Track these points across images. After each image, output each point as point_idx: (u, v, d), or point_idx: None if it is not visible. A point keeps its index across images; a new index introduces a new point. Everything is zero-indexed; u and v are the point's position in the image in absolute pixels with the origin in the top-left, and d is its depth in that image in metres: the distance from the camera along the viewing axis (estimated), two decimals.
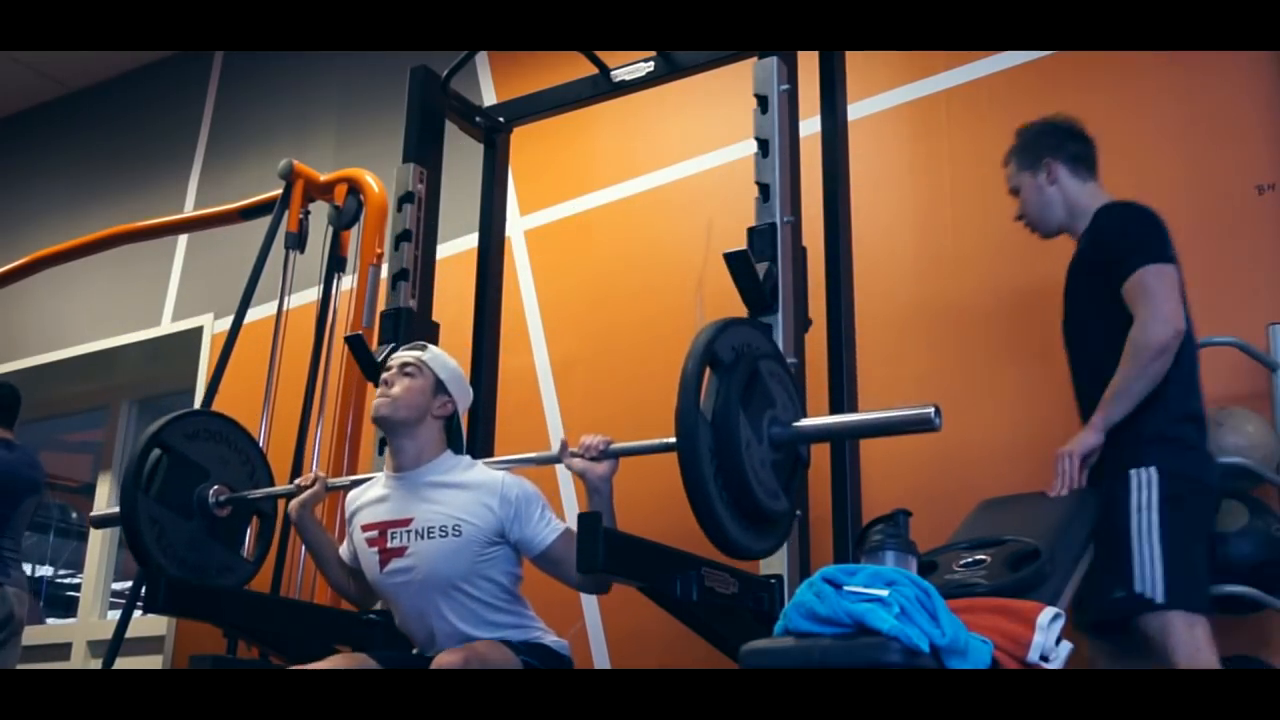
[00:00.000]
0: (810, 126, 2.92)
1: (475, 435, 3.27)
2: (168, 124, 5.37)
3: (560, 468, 3.71)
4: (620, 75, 3.28)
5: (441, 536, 2.45)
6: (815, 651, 1.87)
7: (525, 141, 3.67)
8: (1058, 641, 2.10)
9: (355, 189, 3.81)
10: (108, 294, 5.21)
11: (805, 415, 2.24)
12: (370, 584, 2.58)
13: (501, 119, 3.53)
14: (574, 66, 3.35)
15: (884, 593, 1.87)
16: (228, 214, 4.20)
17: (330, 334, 3.77)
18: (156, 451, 2.86)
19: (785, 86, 2.72)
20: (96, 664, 4.86)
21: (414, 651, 2.59)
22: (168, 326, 4.99)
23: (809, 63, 2.88)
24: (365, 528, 2.55)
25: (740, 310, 2.59)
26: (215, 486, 2.95)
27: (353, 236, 3.84)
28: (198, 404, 3.75)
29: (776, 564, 2.42)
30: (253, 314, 3.81)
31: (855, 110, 3.14)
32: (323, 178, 3.87)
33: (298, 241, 3.80)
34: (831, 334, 2.80)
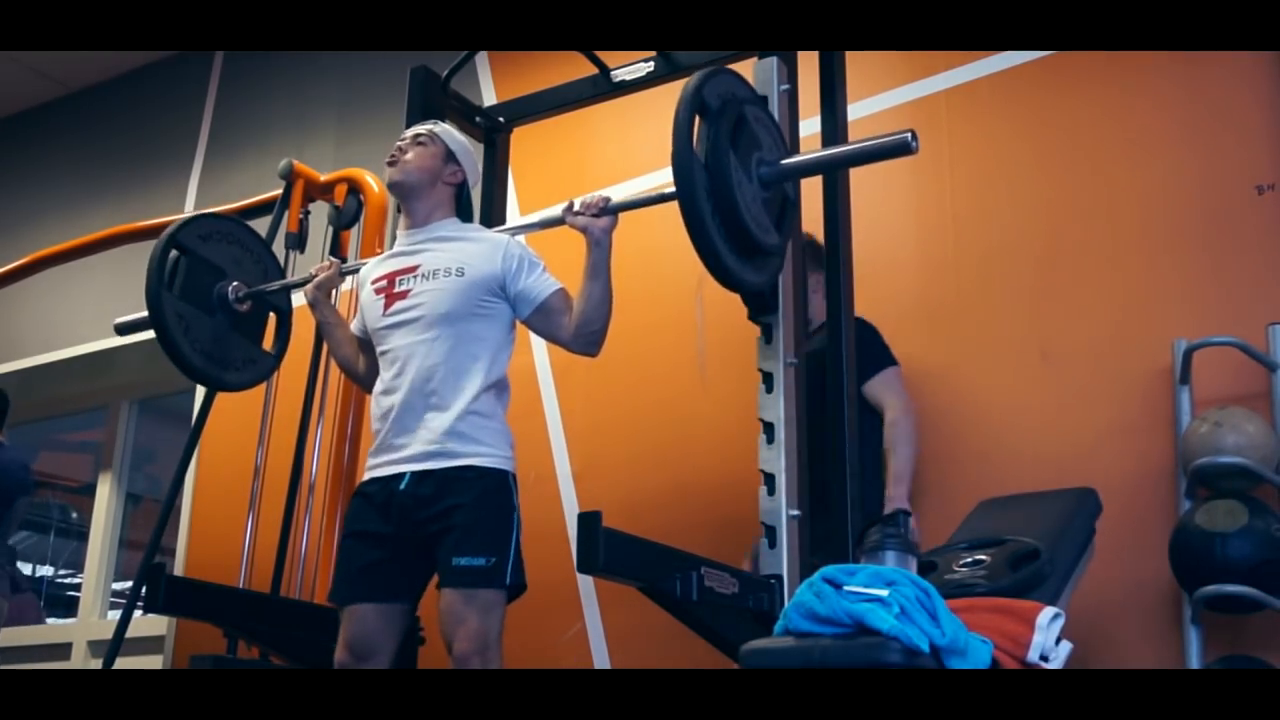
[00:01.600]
0: (810, 126, 2.92)
1: None
2: (168, 124, 5.36)
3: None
4: (620, 75, 3.28)
5: (446, 276, 2.58)
6: (815, 651, 1.87)
7: (525, 141, 3.67)
8: (1058, 641, 2.10)
9: (355, 189, 3.81)
10: (108, 294, 5.20)
11: (789, 155, 2.41)
12: (370, 335, 2.66)
13: (501, 119, 3.53)
14: (574, 66, 3.34)
15: (884, 593, 1.87)
16: (228, 214, 4.19)
17: None
18: (174, 253, 2.97)
19: (785, 86, 2.71)
20: (96, 664, 4.86)
21: (369, 462, 2.59)
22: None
23: (809, 63, 2.88)
24: (374, 280, 2.68)
25: (740, 311, 2.59)
26: (233, 283, 3.05)
27: (353, 236, 3.84)
28: (197, 405, 3.75)
29: (776, 564, 2.42)
30: None
31: (855, 110, 3.13)
32: (323, 177, 3.87)
33: (298, 241, 3.80)
34: (832, 334, 2.79)
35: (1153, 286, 3.05)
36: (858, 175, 2.98)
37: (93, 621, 5.10)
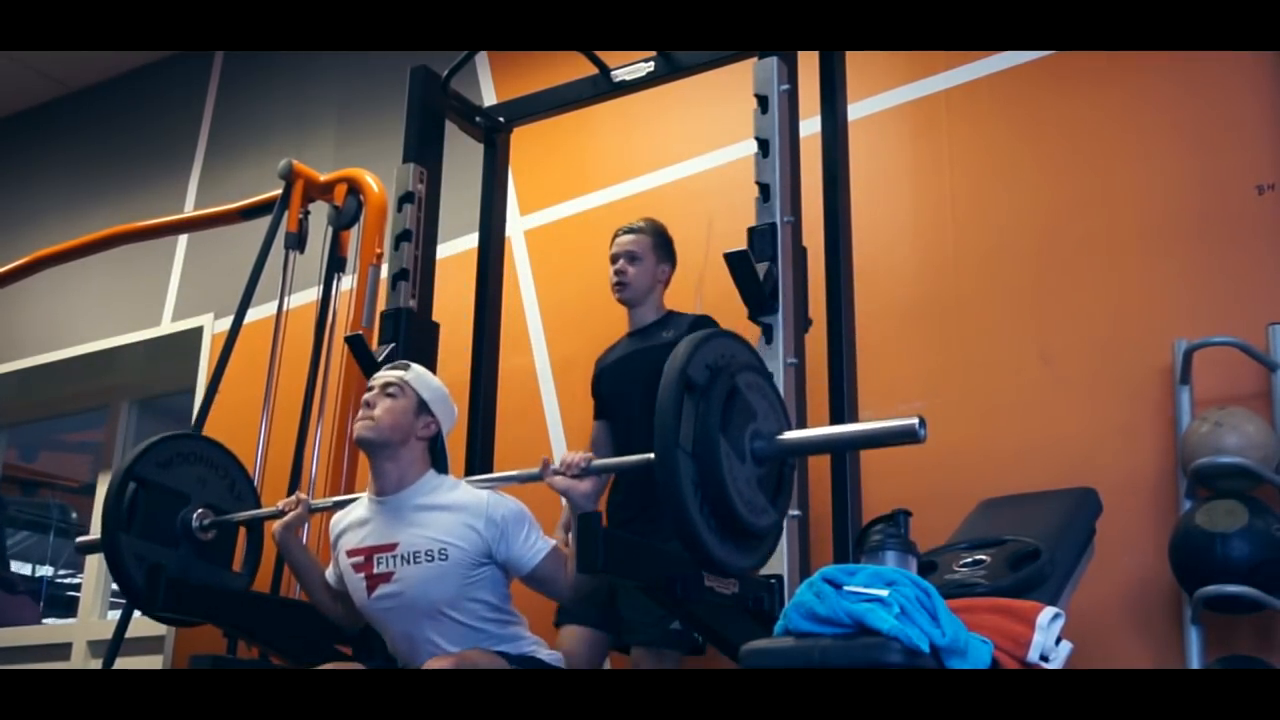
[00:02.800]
0: (810, 126, 2.92)
1: (475, 436, 3.27)
2: (168, 124, 5.36)
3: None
4: (620, 75, 3.28)
5: (428, 561, 2.42)
6: (815, 651, 1.87)
7: (525, 141, 3.67)
8: (1058, 641, 2.10)
9: (355, 189, 3.81)
10: (108, 294, 5.20)
11: (790, 422, 2.22)
12: (359, 609, 2.56)
13: (501, 119, 3.53)
14: (574, 66, 3.34)
15: (884, 593, 1.87)
16: (228, 214, 4.19)
17: (330, 334, 3.76)
18: (133, 485, 2.84)
19: (785, 86, 2.71)
20: (96, 664, 4.86)
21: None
22: (168, 326, 4.99)
23: (809, 63, 2.88)
24: (350, 553, 2.52)
25: (741, 311, 2.59)
26: (198, 510, 2.93)
27: (353, 236, 3.84)
28: (197, 404, 3.75)
29: (776, 564, 2.42)
30: (252, 314, 3.80)
31: (855, 110, 3.13)
32: (323, 178, 3.87)
33: (298, 241, 3.80)
34: (831, 334, 2.80)
35: (1153, 286, 3.05)
36: (857, 175, 2.99)
37: (93, 621, 5.10)
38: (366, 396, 2.53)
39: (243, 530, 3.07)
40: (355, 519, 2.56)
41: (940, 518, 2.67)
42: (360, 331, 3.25)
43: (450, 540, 2.42)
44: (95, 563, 5.19)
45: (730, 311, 2.72)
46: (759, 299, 2.53)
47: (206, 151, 5.21)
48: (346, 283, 3.86)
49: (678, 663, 2.89)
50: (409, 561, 2.44)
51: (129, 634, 3.50)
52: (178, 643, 4.45)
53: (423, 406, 2.53)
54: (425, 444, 2.54)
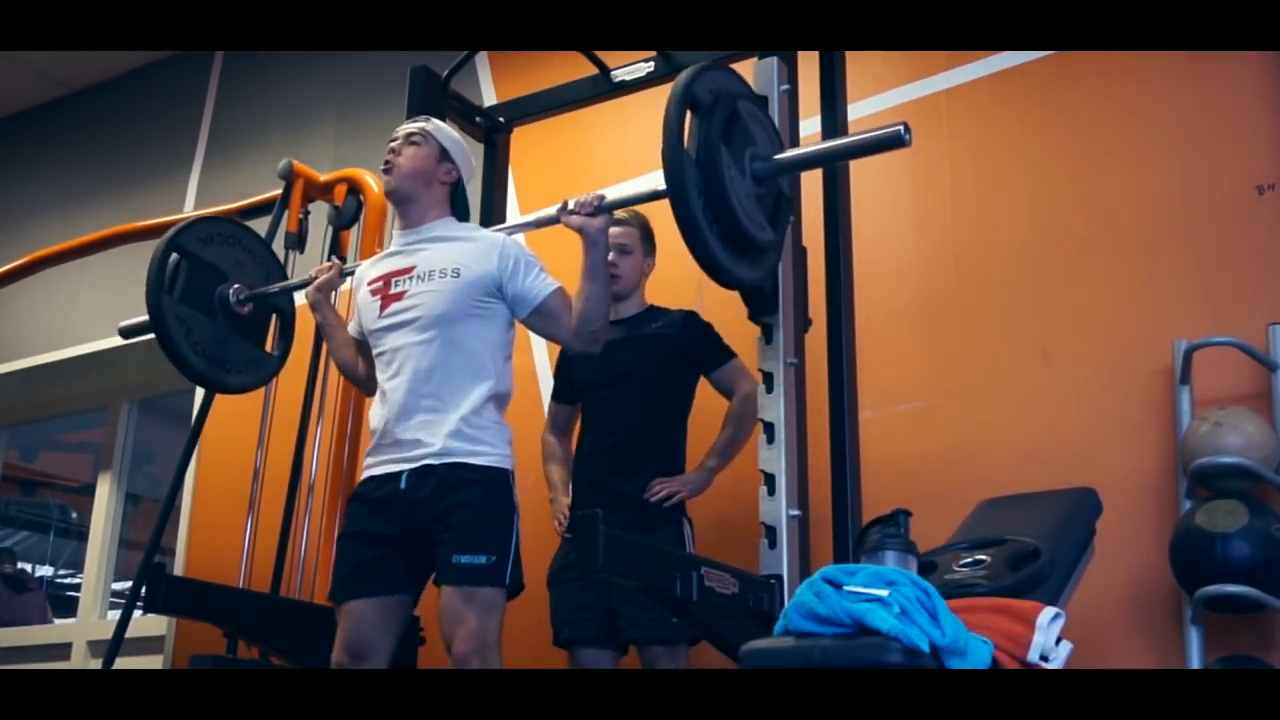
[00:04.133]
0: (810, 126, 2.92)
1: None
2: (168, 124, 5.36)
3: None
4: (620, 75, 3.28)
5: (442, 278, 2.57)
6: (815, 651, 1.87)
7: (525, 141, 3.67)
8: (1058, 641, 2.10)
9: (355, 189, 3.81)
10: (108, 294, 5.20)
11: (784, 148, 2.38)
12: (367, 336, 2.64)
13: (501, 119, 3.53)
14: (574, 66, 3.34)
15: (884, 593, 1.87)
16: (228, 214, 4.19)
17: None
18: (175, 256, 2.95)
19: (785, 86, 2.71)
20: (96, 664, 4.86)
21: (366, 461, 2.60)
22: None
23: (809, 63, 2.88)
24: (370, 282, 2.67)
25: (741, 310, 2.59)
26: (234, 285, 3.05)
27: (353, 236, 3.84)
28: (197, 405, 3.75)
29: (776, 564, 2.42)
30: None
31: (855, 110, 3.13)
32: (322, 177, 3.87)
33: (297, 241, 3.80)
34: (831, 334, 2.79)
35: (1153, 286, 3.05)
36: (857, 175, 2.98)
37: (93, 621, 5.10)
38: (391, 145, 2.68)
39: (275, 319, 3.19)
40: (378, 258, 2.73)
41: (940, 518, 2.67)
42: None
43: (465, 261, 2.58)
44: (95, 563, 5.20)
45: (730, 311, 2.72)
46: (759, 299, 2.53)
47: (206, 151, 5.21)
48: (347, 283, 3.86)
49: (685, 656, 2.90)
50: (424, 279, 2.59)
51: (129, 634, 3.49)
52: (178, 643, 4.45)
53: (444, 153, 2.70)
54: (447, 189, 2.70)
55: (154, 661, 4.53)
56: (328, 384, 3.69)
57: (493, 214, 3.47)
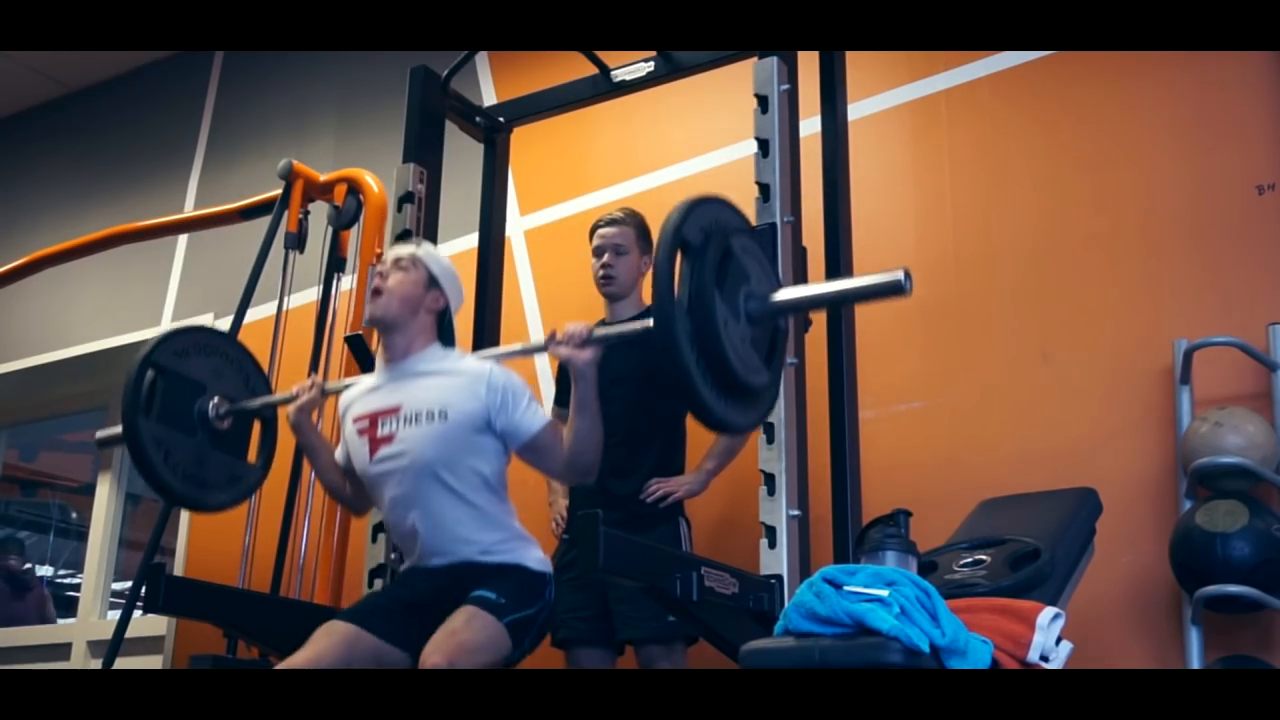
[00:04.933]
0: (810, 126, 2.92)
1: None
2: (168, 124, 5.36)
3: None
4: (620, 75, 3.28)
5: (429, 421, 2.48)
6: (815, 651, 1.87)
7: (525, 141, 3.67)
8: (1058, 641, 2.10)
9: (355, 189, 3.81)
10: (108, 294, 5.20)
11: (780, 285, 2.27)
12: (360, 477, 2.59)
13: (501, 119, 3.53)
14: (574, 66, 3.34)
15: (884, 593, 1.87)
16: (227, 214, 4.19)
17: (330, 334, 3.76)
18: (151, 373, 2.86)
19: (785, 86, 2.72)
20: (96, 664, 4.86)
21: (400, 566, 2.58)
22: (168, 326, 4.98)
23: (809, 63, 2.88)
24: (356, 419, 2.59)
25: None
26: (214, 399, 2.95)
27: (352, 236, 3.84)
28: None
29: (776, 564, 2.42)
30: (252, 314, 3.80)
31: (855, 110, 3.13)
32: (322, 178, 3.86)
33: (297, 241, 3.80)
34: (831, 334, 2.80)
35: (1153, 286, 3.05)
36: (857, 176, 2.99)
37: (92, 621, 5.10)
38: (379, 269, 2.60)
39: (257, 425, 3.09)
40: (363, 389, 2.63)
41: (940, 518, 2.67)
42: (360, 331, 3.25)
43: (452, 402, 2.48)
44: (95, 563, 5.19)
45: None
46: None
47: (206, 151, 5.21)
48: (346, 283, 3.86)
49: (682, 655, 2.90)
50: (411, 422, 2.49)
51: (129, 634, 3.50)
52: (178, 643, 4.45)
53: (432, 281, 2.61)
54: (434, 318, 2.61)
55: (154, 661, 4.53)
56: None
57: (492, 214, 3.47)
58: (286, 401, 2.76)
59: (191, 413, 2.91)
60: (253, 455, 3.06)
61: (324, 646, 2.38)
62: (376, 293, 2.56)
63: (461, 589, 2.41)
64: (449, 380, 2.52)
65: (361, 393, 2.62)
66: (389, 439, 2.50)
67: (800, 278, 2.68)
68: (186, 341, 2.96)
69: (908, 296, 2.07)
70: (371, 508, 2.72)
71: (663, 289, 2.01)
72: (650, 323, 2.04)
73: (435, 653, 2.26)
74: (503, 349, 2.74)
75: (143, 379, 2.82)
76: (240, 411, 2.97)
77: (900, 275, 2.05)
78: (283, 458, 3.65)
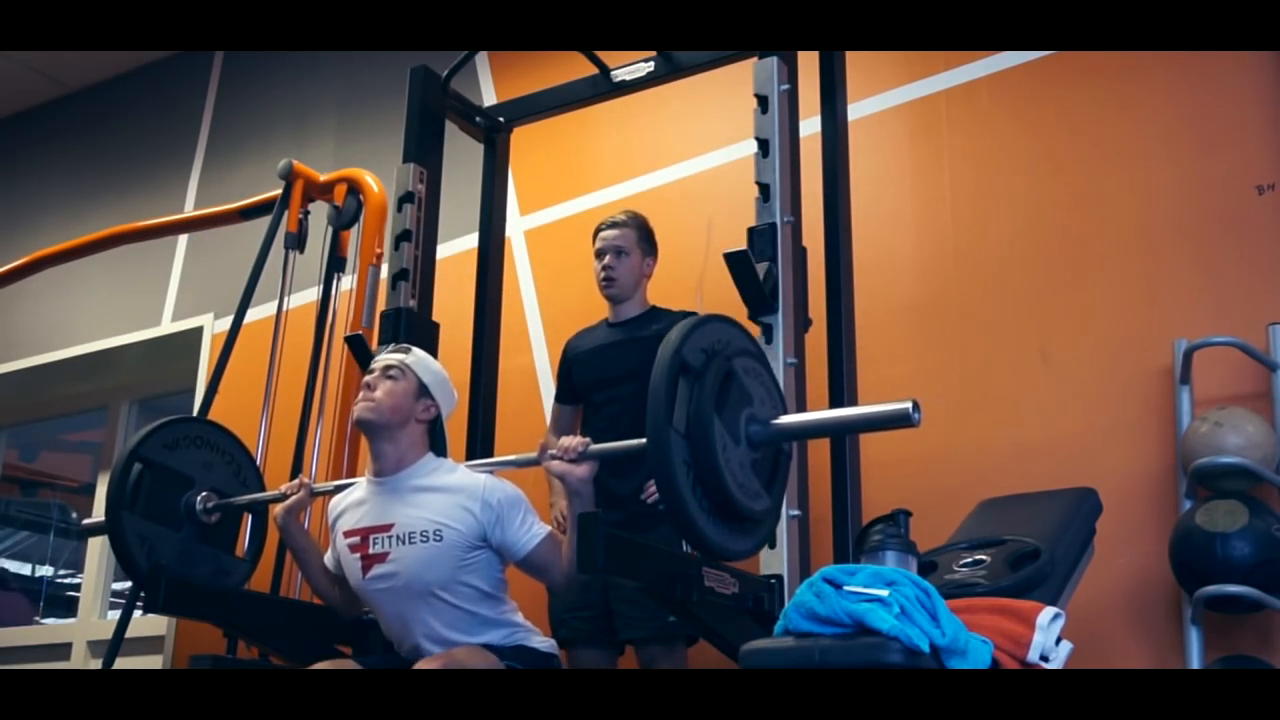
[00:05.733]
0: (810, 126, 2.92)
1: (475, 436, 3.27)
2: (168, 124, 5.37)
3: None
4: (620, 75, 3.28)
5: (423, 542, 2.42)
6: (815, 651, 1.87)
7: (525, 141, 3.67)
8: (1058, 641, 2.10)
9: (355, 189, 3.81)
10: (108, 294, 5.20)
11: (785, 409, 2.20)
12: (354, 590, 2.55)
13: (501, 119, 3.53)
14: (574, 66, 3.35)
15: (884, 593, 1.87)
16: (228, 214, 4.19)
17: (330, 334, 3.76)
18: (138, 466, 2.82)
19: (785, 86, 2.71)
20: (96, 664, 4.86)
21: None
22: (168, 326, 4.99)
23: (809, 63, 2.88)
24: (347, 534, 2.52)
25: (741, 311, 2.58)
26: (202, 493, 2.91)
27: (352, 236, 3.84)
28: (198, 404, 3.75)
29: (776, 564, 2.42)
30: (252, 314, 3.80)
31: (855, 110, 3.14)
32: (322, 178, 3.87)
33: (297, 241, 3.80)
34: (831, 334, 2.80)
35: (1153, 286, 3.05)
36: (857, 176, 2.99)
37: (93, 621, 5.10)
38: (367, 379, 2.53)
39: (246, 516, 3.05)
40: (353, 500, 2.56)
41: (940, 518, 2.67)
42: (360, 331, 3.25)
43: (446, 522, 2.42)
44: (95, 562, 5.20)
45: (730, 311, 2.70)
46: (759, 299, 2.53)
47: (206, 151, 5.21)
48: (346, 283, 3.86)
49: (683, 655, 2.90)
50: (404, 542, 2.43)
51: (129, 634, 3.50)
52: (178, 643, 4.45)
53: (423, 389, 2.53)
54: (425, 427, 2.54)
55: (154, 661, 4.53)
56: (328, 384, 3.69)
57: (492, 215, 3.47)
58: (275, 500, 2.73)
59: (179, 506, 2.87)
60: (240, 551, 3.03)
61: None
62: (365, 399, 2.49)
63: None
64: (442, 497, 2.45)
65: (352, 504, 2.56)
66: (382, 558, 2.45)
67: (800, 278, 2.68)
68: (177, 434, 2.92)
69: (916, 427, 1.99)
70: (362, 609, 2.67)
71: (659, 410, 1.95)
72: (644, 441, 1.98)
73: (429, 661, 2.29)
74: (495, 460, 2.67)
75: (129, 473, 2.80)
76: (228, 507, 2.94)
77: (908, 406, 1.96)
78: (283, 454, 3.66)
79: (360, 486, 2.58)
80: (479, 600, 2.45)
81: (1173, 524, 2.75)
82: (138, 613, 4.06)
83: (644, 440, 2.00)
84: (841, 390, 2.75)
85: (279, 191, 3.83)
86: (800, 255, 2.70)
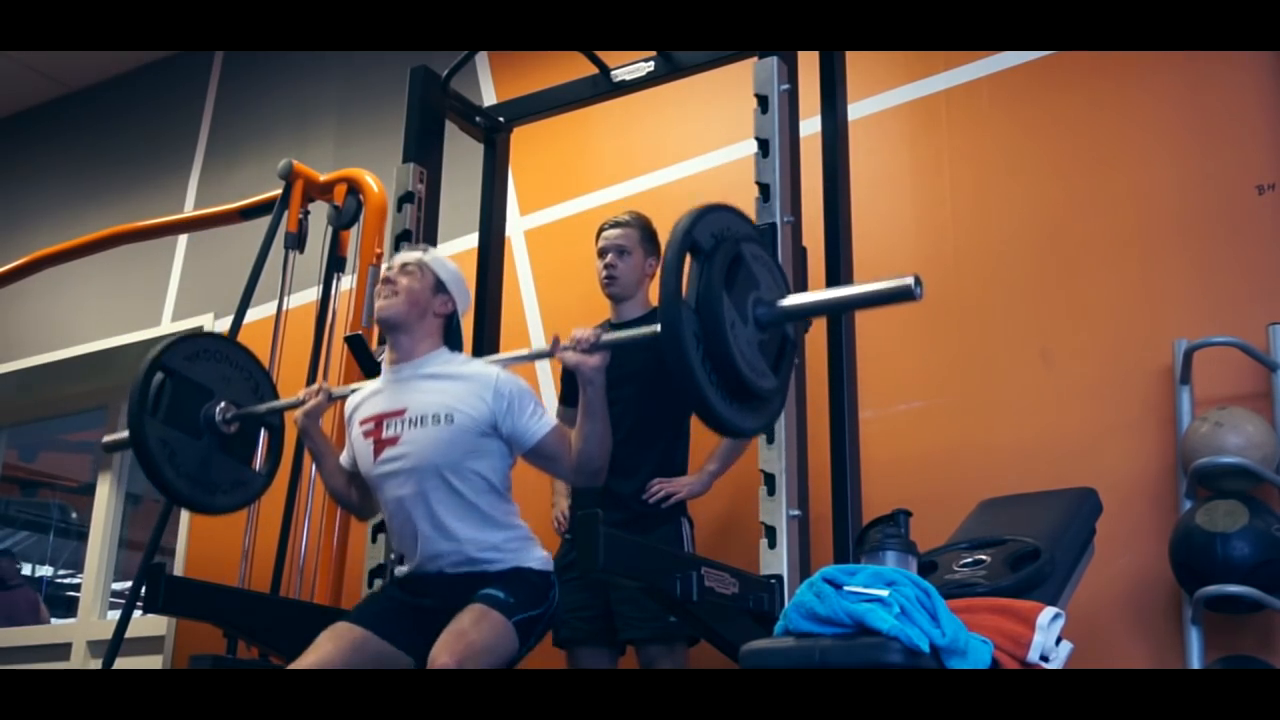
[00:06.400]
0: (810, 126, 2.92)
1: None
2: (168, 124, 5.36)
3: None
4: (620, 75, 3.28)
5: (434, 424, 2.49)
6: (815, 651, 1.87)
7: (525, 141, 3.67)
8: (1058, 641, 2.10)
9: (355, 189, 3.81)
10: (108, 294, 5.20)
11: (789, 291, 2.27)
12: (365, 479, 2.60)
13: (501, 119, 3.53)
14: (574, 66, 3.34)
15: (884, 593, 1.87)
16: (228, 214, 4.19)
17: (330, 334, 3.76)
18: (160, 375, 2.88)
19: (785, 86, 2.72)
20: (96, 664, 4.86)
21: (399, 569, 2.60)
22: (168, 326, 4.98)
23: (809, 63, 2.88)
24: (362, 422, 2.60)
25: None
26: (221, 404, 2.97)
27: (352, 236, 3.84)
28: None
29: (776, 564, 2.42)
30: (252, 314, 3.80)
31: (855, 110, 3.13)
32: (322, 178, 3.86)
33: (297, 241, 3.80)
34: (831, 334, 2.80)
35: (1153, 286, 3.05)
36: (857, 175, 2.99)
37: (92, 621, 5.10)
38: (386, 275, 2.62)
39: (265, 434, 3.11)
40: (369, 392, 2.65)
41: (940, 518, 2.67)
42: (360, 331, 3.25)
43: (458, 406, 2.49)
44: (95, 562, 5.20)
45: None
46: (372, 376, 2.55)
47: (206, 151, 5.21)
48: (346, 283, 3.86)
49: (684, 655, 2.90)
50: (416, 424, 2.50)
51: (129, 634, 3.49)
52: (178, 643, 4.45)
53: (440, 286, 2.62)
54: (441, 321, 2.63)
55: (154, 661, 4.53)
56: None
57: (492, 214, 3.47)
58: (293, 406, 2.77)
59: (198, 417, 2.93)
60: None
61: (330, 650, 2.39)
62: (384, 295, 2.58)
63: (467, 592, 2.41)
64: (455, 384, 2.53)
65: (368, 394, 2.63)
66: (394, 440, 2.51)
67: (800, 277, 2.69)
68: (195, 347, 2.98)
69: (918, 301, 2.08)
70: (377, 512, 2.72)
71: (670, 289, 2.02)
72: (658, 327, 2.04)
73: (444, 652, 2.27)
74: (509, 354, 2.74)
75: (150, 381, 2.85)
76: (247, 416, 2.98)
77: (910, 281, 2.06)
78: (283, 459, 3.66)
79: (375, 381, 2.66)
80: (485, 492, 2.49)
81: (1173, 524, 2.75)
82: (138, 613, 4.05)
83: (658, 327, 2.08)
84: (842, 390, 2.75)
85: (279, 191, 3.83)
86: (800, 255, 2.70)
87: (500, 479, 2.52)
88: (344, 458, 2.70)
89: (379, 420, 2.56)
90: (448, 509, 2.47)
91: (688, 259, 2.06)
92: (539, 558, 2.52)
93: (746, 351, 2.11)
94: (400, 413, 2.53)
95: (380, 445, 2.53)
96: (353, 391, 2.72)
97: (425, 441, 2.48)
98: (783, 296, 2.22)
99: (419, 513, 2.48)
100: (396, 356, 2.60)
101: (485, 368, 2.56)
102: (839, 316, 2.80)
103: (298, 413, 2.72)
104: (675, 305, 2.01)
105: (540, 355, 2.59)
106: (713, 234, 2.11)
